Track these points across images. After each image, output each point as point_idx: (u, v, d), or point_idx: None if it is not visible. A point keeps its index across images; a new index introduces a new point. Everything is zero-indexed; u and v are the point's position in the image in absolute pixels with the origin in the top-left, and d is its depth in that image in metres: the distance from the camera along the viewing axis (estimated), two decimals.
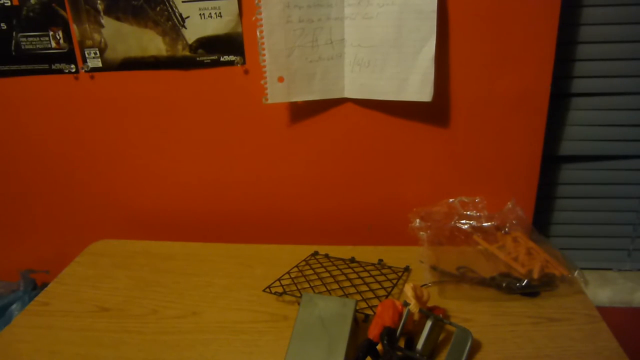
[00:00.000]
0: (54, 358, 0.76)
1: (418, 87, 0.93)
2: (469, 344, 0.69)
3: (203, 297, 0.89)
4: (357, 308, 0.74)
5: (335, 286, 0.89)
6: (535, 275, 0.85)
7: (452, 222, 1.01)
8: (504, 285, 0.84)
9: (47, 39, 1.00)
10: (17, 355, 0.77)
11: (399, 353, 0.68)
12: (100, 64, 1.01)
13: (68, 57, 1.01)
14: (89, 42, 1.00)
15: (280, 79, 0.96)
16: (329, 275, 0.92)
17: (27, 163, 1.14)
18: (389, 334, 0.68)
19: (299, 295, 0.84)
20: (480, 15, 0.91)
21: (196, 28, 0.96)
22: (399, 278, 0.90)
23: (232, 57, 0.98)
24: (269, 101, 0.97)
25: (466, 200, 1.03)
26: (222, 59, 0.98)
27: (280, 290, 0.87)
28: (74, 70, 1.02)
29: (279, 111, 1.02)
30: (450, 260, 0.92)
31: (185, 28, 0.96)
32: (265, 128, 1.04)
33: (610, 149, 1.08)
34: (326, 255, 1.00)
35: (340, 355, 0.68)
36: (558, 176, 1.12)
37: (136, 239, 1.10)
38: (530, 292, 0.84)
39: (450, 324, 0.72)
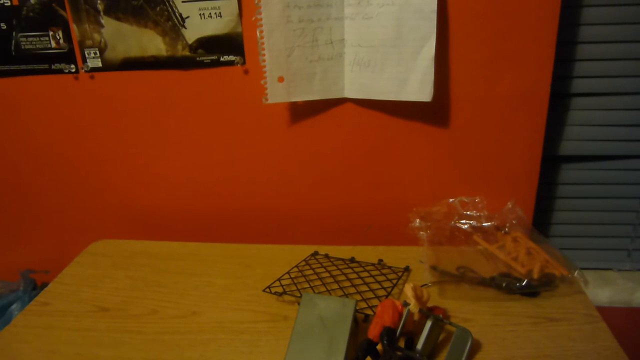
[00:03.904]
0: (54, 358, 0.76)
1: (418, 87, 0.93)
2: (468, 344, 0.69)
3: (203, 297, 0.89)
4: (357, 308, 0.74)
5: (335, 286, 0.89)
6: (535, 275, 0.85)
7: (452, 222, 1.01)
8: (504, 285, 0.84)
9: (47, 39, 1.00)
10: (17, 355, 0.76)
11: (399, 353, 0.68)
12: (100, 64, 1.01)
13: (68, 57, 1.01)
14: (88, 42, 1.00)
15: (280, 79, 0.96)
16: (329, 275, 0.92)
17: (27, 163, 1.14)
18: (388, 334, 0.68)
19: (299, 295, 0.84)
20: (481, 15, 0.91)
21: (196, 28, 0.96)
22: (399, 278, 0.90)
23: (232, 57, 0.98)
24: (269, 101, 0.97)
25: (466, 200, 1.03)
26: (222, 59, 0.98)
27: (280, 290, 0.87)
28: (73, 70, 1.02)
29: (279, 111, 1.02)
30: (450, 260, 0.92)
31: (185, 28, 0.96)
32: (265, 128, 1.04)
33: (610, 149, 1.08)
34: (326, 255, 1.00)
35: (340, 355, 0.68)
36: (558, 176, 1.12)
37: (136, 239, 1.10)
38: (530, 292, 0.84)
39: (450, 324, 0.72)
